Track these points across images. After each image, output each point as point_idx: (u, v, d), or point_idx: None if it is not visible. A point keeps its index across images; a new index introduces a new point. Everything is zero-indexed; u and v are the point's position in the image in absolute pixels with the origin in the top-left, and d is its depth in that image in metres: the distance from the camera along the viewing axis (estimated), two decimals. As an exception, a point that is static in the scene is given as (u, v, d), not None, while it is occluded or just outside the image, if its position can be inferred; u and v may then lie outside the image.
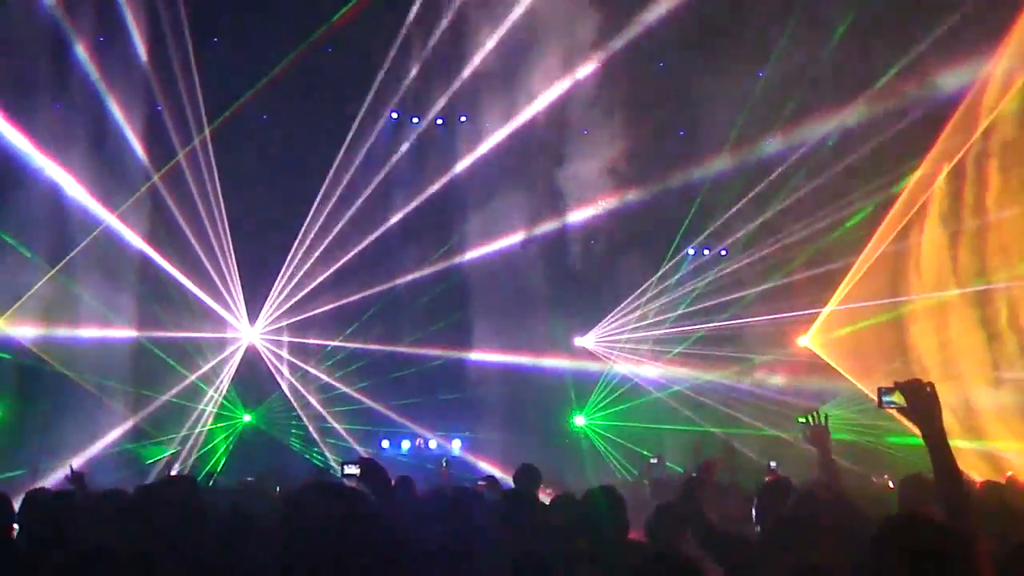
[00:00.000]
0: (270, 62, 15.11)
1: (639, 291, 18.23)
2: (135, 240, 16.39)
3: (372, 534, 3.75)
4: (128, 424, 16.61)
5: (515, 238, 17.56)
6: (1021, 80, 13.34)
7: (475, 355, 18.12)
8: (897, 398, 3.90)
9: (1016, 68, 13.33)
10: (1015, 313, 13.91)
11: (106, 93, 15.36)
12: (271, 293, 17.80)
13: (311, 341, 18.55)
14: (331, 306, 17.83)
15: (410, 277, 18.06)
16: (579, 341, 19.08)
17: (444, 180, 17.36)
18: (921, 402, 3.83)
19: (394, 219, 17.57)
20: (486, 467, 16.63)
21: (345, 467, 6.00)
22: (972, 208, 14.40)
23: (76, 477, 7.56)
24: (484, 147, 16.97)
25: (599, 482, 7.44)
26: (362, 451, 17.37)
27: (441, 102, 16.82)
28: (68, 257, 15.39)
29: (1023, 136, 13.57)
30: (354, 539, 3.70)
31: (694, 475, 5.66)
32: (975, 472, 12.97)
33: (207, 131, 15.80)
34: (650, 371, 18.83)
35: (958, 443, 13.57)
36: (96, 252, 15.58)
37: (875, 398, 4.22)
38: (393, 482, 8.03)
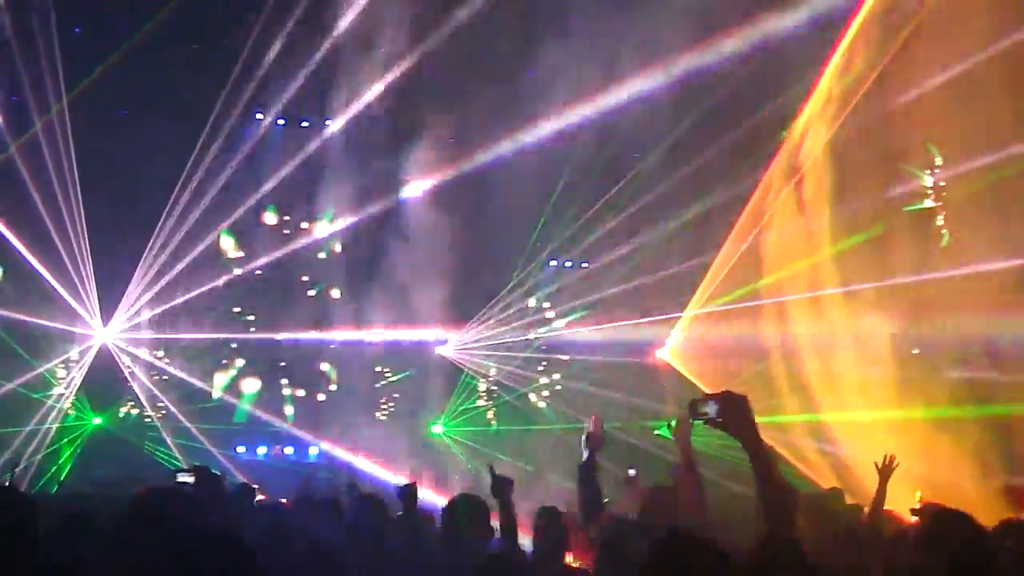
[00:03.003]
0: (128, 52, 14.96)
1: (495, 300, 18.43)
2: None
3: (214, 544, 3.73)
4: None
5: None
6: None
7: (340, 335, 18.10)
8: (711, 410, 3.75)
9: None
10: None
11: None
12: (128, 290, 17.36)
13: (170, 336, 18.13)
14: (192, 294, 17.56)
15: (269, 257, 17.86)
16: (439, 350, 19.15)
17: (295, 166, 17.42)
18: (735, 413, 3.72)
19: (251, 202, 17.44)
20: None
21: (178, 475, 5.93)
22: (809, 210, 15.09)
23: None
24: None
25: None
26: (218, 454, 17.10)
27: (293, 100, 16.95)
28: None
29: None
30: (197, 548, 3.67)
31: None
32: (821, 478, 13.76)
33: (65, 103, 15.51)
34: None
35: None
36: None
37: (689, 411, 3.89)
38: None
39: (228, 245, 18.02)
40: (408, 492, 6.11)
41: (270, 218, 18.43)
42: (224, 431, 18.29)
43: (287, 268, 18.34)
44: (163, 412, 18.28)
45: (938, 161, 14.67)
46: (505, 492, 5.48)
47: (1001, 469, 12.42)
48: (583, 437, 5.72)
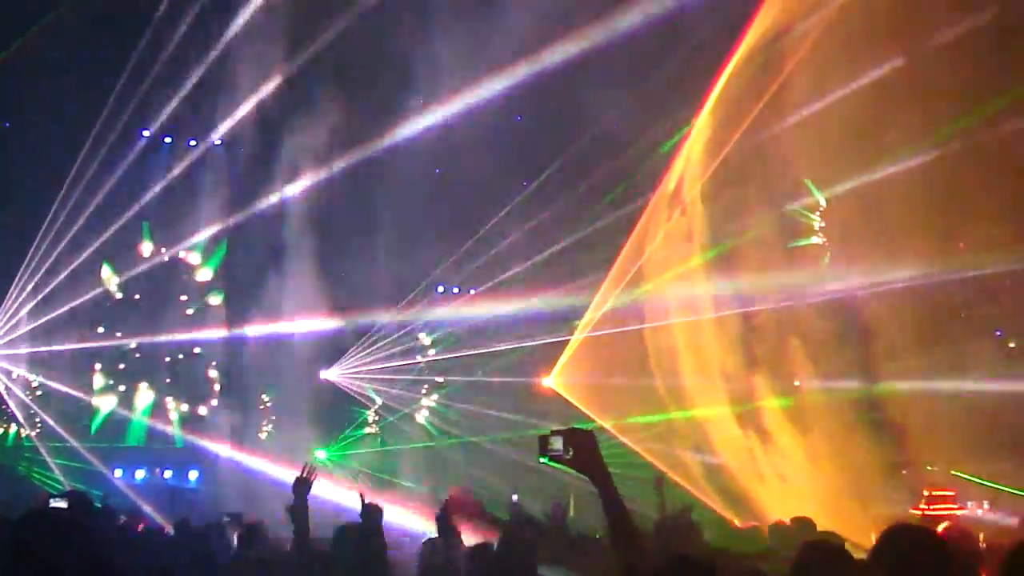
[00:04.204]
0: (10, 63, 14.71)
1: (380, 325, 18.53)
2: None
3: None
4: None
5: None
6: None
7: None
8: (558, 445, 3.74)
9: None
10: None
11: None
12: (2, 306, 16.92)
13: (53, 348, 17.68)
14: (72, 305, 17.30)
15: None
16: (324, 374, 19.11)
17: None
18: (581, 449, 3.74)
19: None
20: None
21: (52, 500, 5.95)
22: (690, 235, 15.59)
23: None
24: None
25: None
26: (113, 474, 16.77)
27: (179, 119, 16.90)
28: None
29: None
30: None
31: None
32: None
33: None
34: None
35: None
36: None
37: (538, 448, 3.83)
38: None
39: (107, 272, 17.72)
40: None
41: (147, 247, 18.23)
42: (108, 450, 17.90)
43: (164, 289, 18.13)
44: (39, 430, 17.78)
45: (821, 201, 15.19)
46: (374, 520, 5.64)
47: (881, 488, 13.18)
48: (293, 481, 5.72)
